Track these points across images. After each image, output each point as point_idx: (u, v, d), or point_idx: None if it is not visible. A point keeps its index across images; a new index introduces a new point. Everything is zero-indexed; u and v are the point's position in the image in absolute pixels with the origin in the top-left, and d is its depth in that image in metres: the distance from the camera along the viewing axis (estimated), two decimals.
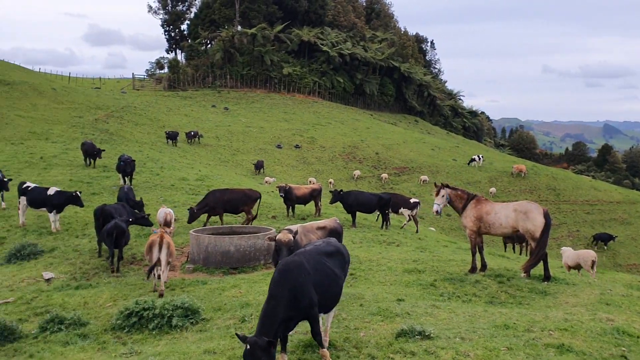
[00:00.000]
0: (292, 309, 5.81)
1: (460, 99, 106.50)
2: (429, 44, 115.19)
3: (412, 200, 21.92)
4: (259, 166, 36.70)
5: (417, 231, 21.17)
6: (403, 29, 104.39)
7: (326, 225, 10.05)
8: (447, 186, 12.15)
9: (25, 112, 35.26)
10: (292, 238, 8.01)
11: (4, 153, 26.41)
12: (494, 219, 11.49)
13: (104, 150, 26.13)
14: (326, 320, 7.05)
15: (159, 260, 10.59)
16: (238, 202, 17.32)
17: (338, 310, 8.78)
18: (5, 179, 18.19)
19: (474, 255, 11.86)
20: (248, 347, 5.35)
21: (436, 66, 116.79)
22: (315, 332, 6.15)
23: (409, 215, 21.50)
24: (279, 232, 8.27)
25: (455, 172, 47.40)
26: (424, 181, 44.93)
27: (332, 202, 20.58)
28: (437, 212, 12.04)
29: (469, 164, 49.42)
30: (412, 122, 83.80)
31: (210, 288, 10.79)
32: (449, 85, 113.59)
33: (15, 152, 26.63)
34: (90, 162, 25.53)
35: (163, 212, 15.76)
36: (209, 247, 12.88)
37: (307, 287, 6.02)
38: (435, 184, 12.52)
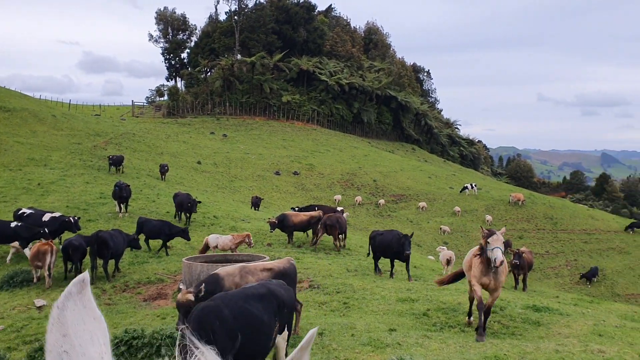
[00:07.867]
0: None
1: (457, 128, 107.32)
2: (425, 73, 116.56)
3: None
4: (255, 203, 32.85)
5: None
6: (401, 59, 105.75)
7: (274, 266, 9.04)
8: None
9: (25, 139, 35.38)
10: (193, 299, 7.42)
11: (2, 179, 26.45)
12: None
13: (200, 202, 23.36)
14: None
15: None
16: None
17: (329, 341, 8.72)
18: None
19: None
20: None
21: (433, 95, 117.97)
22: None
23: None
24: (179, 292, 7.75)
25: (452, 200, 47.43)
26: (422, 208, 44.94)
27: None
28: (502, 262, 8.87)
29: (461, 192, 49.55)
30: (409, 150, 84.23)
31: None
32: (446, 114, 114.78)
33: (13, 179, 26.66)
34: (179, 216, 22.51)
35: None
36: (201, 276, 12.80)
37: (220, 336, 5.46)
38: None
